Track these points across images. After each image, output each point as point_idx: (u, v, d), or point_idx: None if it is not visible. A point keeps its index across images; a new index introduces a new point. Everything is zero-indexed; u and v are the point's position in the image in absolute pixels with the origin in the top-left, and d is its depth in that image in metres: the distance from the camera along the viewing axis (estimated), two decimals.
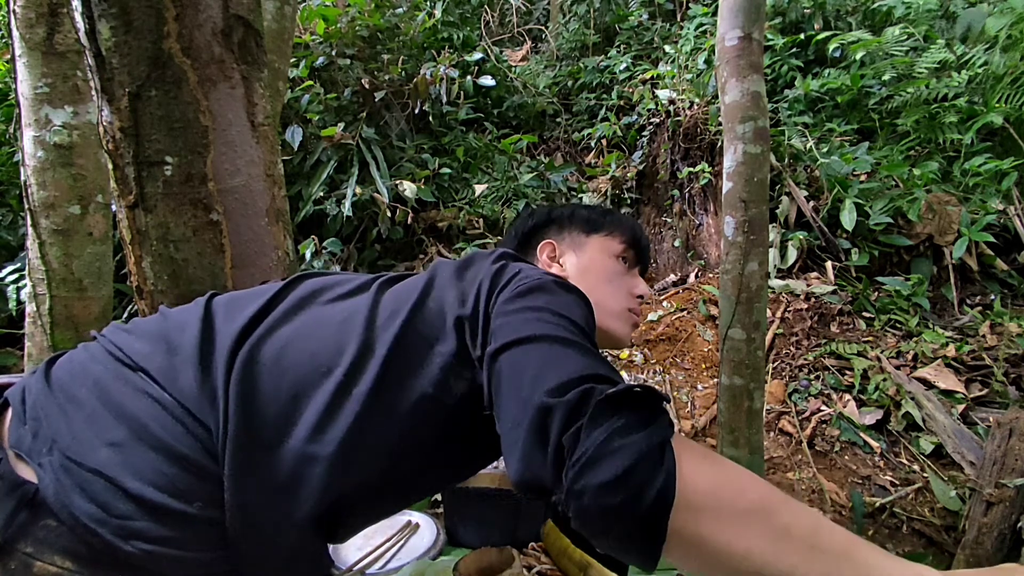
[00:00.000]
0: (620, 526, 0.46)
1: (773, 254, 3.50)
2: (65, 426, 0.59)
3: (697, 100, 4.08)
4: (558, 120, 5.69)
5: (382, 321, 0.69)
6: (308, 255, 3.74)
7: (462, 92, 4.63)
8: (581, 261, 0.94)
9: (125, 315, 3.45)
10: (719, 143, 3.69)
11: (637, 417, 0.48)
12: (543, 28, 6.94)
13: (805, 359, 3.11)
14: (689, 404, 3.10)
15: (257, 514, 0.61)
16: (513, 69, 5.84)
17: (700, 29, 4.87)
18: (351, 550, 1.01)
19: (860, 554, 0.50)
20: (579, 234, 0.96)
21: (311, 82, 4.33)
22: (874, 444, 2.66)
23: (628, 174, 4.28)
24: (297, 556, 0.65)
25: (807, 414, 2.85)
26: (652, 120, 4.21)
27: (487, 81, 4.78)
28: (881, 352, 3.03)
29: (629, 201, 4.27)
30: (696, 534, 0.47)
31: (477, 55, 4.87)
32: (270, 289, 0.75)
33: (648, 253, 1.02)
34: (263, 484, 0.61)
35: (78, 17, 1.09)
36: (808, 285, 3.44)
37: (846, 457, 2.65)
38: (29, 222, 2.07)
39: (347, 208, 4.00)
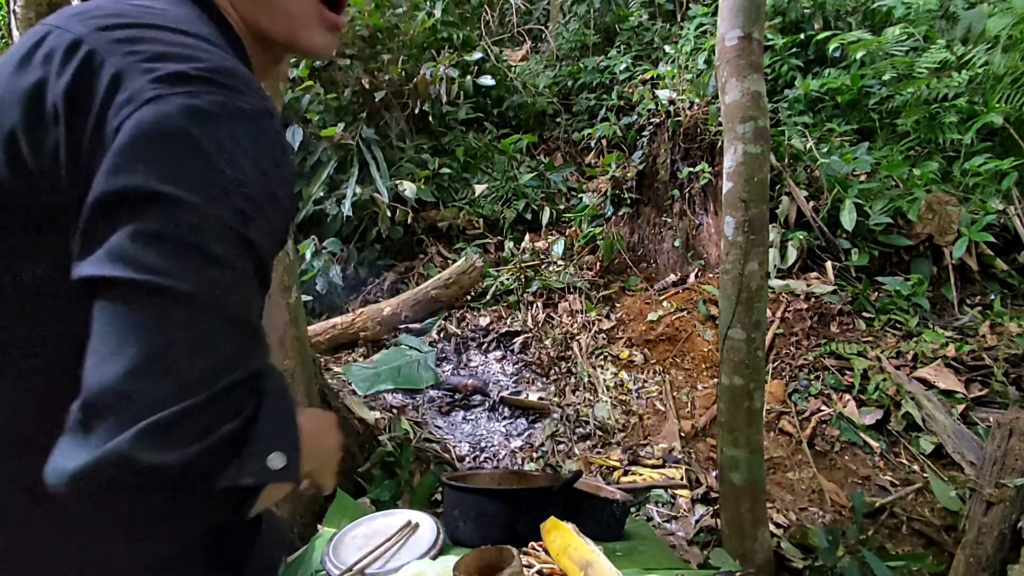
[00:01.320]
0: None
1: (773, 254, 3.50)
2: None
3: (697, 100, 4.07)
4: (558, 120, 5.69)
5: None
6: (308, 255, 3.75)
7: (462, 92, 4.63)
8: None
9: None
10: (719, 143, 3.69)
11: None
12: (543, 28, 6.94)
13: (805, 359, 3.11)
14: (689, 404, 3.10)
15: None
16: (513, 69, 5.84)
17: (700, 29, 4.88)
18: (351, 550, 1.01)
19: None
20: None
21: (311, 82, 4.33)
22: (874, 444, 2.66)
23: (628, 174, 4.27)
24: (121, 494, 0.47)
25: (807, 414, 2.85)
26: (652, 120, 4.20)
27: (487, 81, 4.79)
28: (881, 352, 3.03)
29: (629, 201, 4.26)
30: None
31: (477, 55, 4.87)
32: None
33: None
34: None
35: None
36: (808, 285, 3.44)
37: (846, 457, 2.65)
38: None
39: (347, 208, 4.00)
